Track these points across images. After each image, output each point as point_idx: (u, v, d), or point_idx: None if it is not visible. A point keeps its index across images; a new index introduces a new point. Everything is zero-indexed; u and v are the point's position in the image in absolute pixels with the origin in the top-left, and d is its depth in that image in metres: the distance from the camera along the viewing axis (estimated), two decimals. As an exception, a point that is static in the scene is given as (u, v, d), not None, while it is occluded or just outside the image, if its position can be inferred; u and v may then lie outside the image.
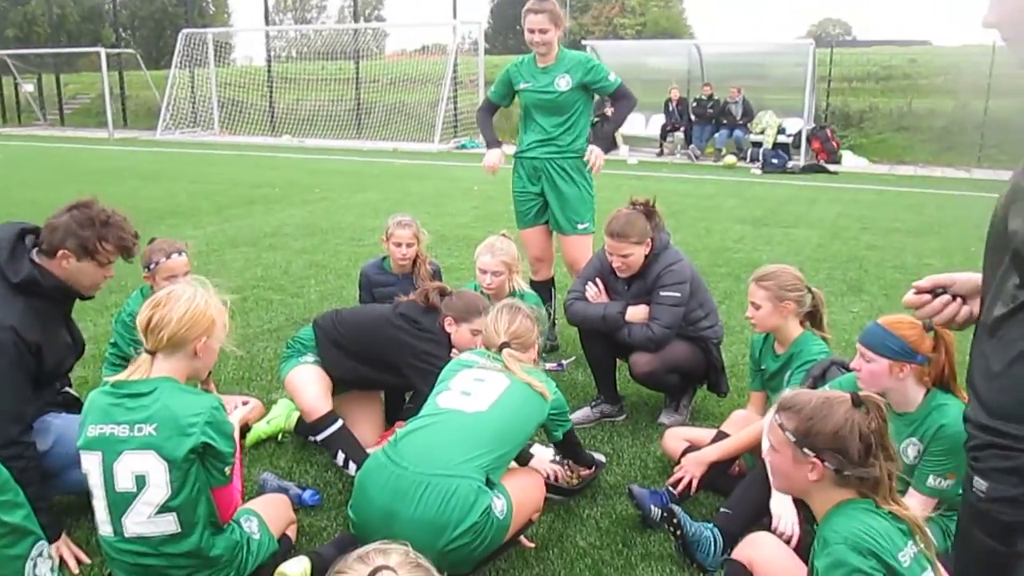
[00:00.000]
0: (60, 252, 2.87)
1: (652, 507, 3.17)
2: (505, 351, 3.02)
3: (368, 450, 3.39)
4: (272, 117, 25.52)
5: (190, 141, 23.39)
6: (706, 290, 4.25)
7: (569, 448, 3.32)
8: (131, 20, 53.11)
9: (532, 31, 4.76)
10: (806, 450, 2.06)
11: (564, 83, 4.84)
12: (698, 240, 8.85)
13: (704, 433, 3.63)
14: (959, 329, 1.94)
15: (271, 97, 25.88)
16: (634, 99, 5.04)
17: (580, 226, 4.99)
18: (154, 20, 55.48)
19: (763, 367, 3.68)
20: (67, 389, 3.36)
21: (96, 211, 2.92)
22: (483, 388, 2.88)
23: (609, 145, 5.21)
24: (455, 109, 22.47)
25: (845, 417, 2.05)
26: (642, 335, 3.93)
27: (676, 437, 3.66)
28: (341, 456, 3.49)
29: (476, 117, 5.19)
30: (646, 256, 3.99)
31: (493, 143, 5.12)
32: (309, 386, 3.59)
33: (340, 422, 3.55)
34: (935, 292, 1.85)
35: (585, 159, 4.85)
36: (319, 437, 3.54)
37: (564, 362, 4.97)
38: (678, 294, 3.95)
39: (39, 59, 31.69)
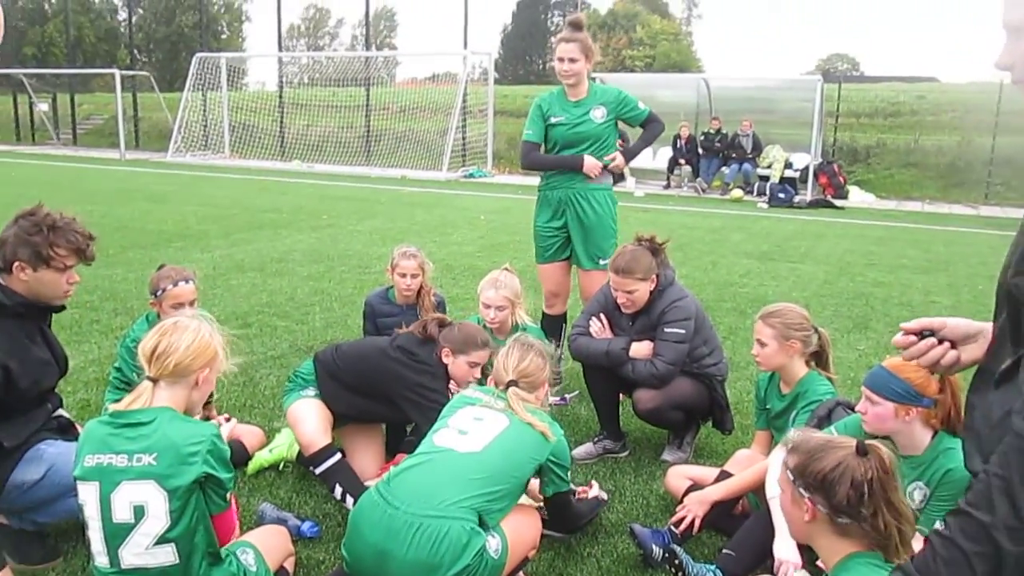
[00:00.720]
0: (15, 265, 2.85)
1: (654, 547, 3.13)
2: (511, 390, 2.97)
3: (367, 483, 3.37)
4: (282, 142, 25.73)
5: (200, 164, 23.55)
6: (711, 326, 4.24)
7: (556, 510, 3.12)
8: (146, 43, 53.78)
9: (562, 60, 4.71)
10: (801, 489, 2.06)
11: (600, 115, 4.82)
12: (704, 274, 8.84)
13: (707, 472, 3.60)
14: (945, 374, 1.93)
15: (282, 122, 26.11)
16: (663, 124, 5.05)
17: (602, 262, 4.94)
18: (169, 43, 56.19)
19: (768, 406, 3.66)
20: (61, 413, 3.28)
21: (42, 216, 2.90)
22: (480, 428, 2.84)
23: (631, 159, 5.15)
24: (464, 138, 22.62)
25: (838, 460, 2.04)
26: (646, 372, 3.92)
27: (679, 475, 3.63)
28: (339, 490, 3.47)
29: (531, 163, 4.88)
30: (651, 292, 3.98)
31: (567, 158, 4.87)
32: (308, 419, 3.59)
33: (338, 455, 3.54)
34: (922, 334, 1.84)
35: (608, 159, 4.85)
36: (317, 470, 3.53)
37: (567, 396, 4.94)
38: (682, 331, 3.94)
39: (55, 79, 32.10)
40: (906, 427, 2.78)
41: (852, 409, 3.14)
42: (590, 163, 4.80)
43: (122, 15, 58.36)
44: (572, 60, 4.70)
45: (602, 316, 4.14)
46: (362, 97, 25.15)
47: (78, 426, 3.17)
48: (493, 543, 2.64)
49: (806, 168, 17.41)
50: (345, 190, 17.32)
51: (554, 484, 2.98)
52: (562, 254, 5.06)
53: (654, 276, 3.96)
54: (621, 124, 5.01)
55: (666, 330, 3.93)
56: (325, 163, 23.45)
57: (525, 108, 29.84)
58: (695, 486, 3.45)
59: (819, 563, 2.26)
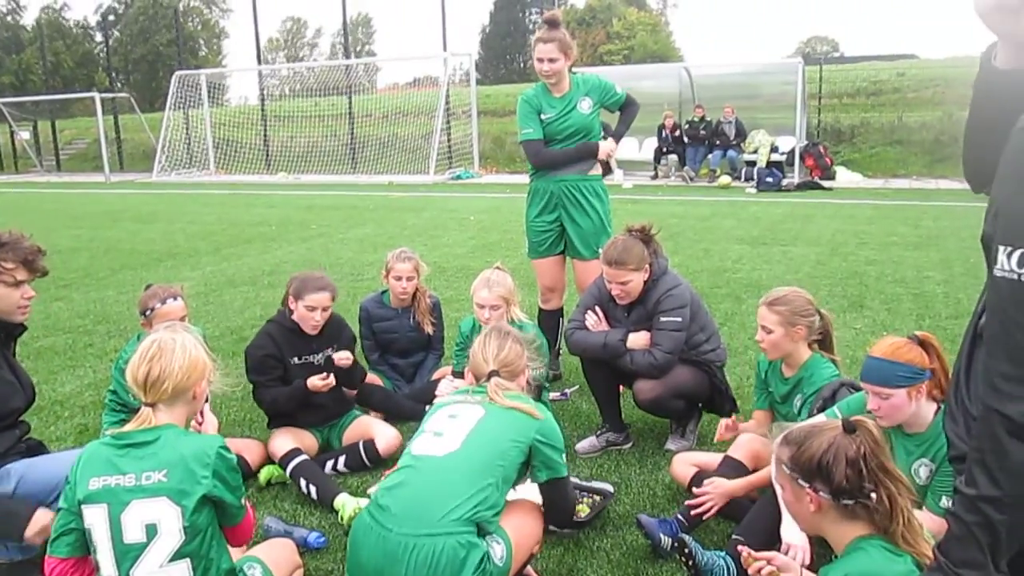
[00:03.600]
0: None
1: (662, 536, 3.12)
2: (492, 381, 2.87)
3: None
4: (267, 155, 25.68)
5: (186, 182, 23.50)
6: (707, 313, 4.23)
7: (551, 499, 2.94)
8: (124, 64, 53.63)
9: (541, 60, 4.69)
10: (800, 481, 2.05)
11: (586, 106, 4.82)
12: (697, 262, 8.83)
13: (712, 458, 3.59)
14: None
15: (266, 135, 26.07)
16: (638, 105, 5.06)
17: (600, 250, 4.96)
18: (147, 63, 56.06)
19: (771, 389, 3.65)
20: (29, 437, 3.23)
21: None
22: (455, 425, 2.75)
23: (619, 142, 5.13)
24: (448, 140, 22.61)
25: (828, 442, 2.03)
26: (645, 362, 3.90)
27: (685, 463, 3.61)
28: (303, 482, 3.72)
29: (545, 160, 4.81)
30: (645, 282, 3.97)
31: (583, 146, 4.84)
32: (276, 437, 4.01)
33: (302, 456, 3.85)
34: None
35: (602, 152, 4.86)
36: (287, 471, 3.81)
37: (567, 391, 4.93)
38: (679, 319, 3.92)
39: (34, 106, 31.92)
40: (917, 407, 2.79)
41: (855, 388, 3.13)
42: (605, 147, 4.83)
43: (98, 38, 58.31)
44: (552, 60, 4.68)
45: (597, 309, 4.13)
46: (344, 106, 25.16)
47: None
48: (498, 549, 2.59)
49: (792, 151, 17.43)
50: (333, 199, 17.27)
51: (546, 468, 2.82)
52: (557, 248, 5.04)
53: (647, 266, 3.95)
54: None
55: (662, 319, 3.91)
56: (311, 173, 23.43)
57: (508, 107, 29.87)
58: (701, 472, 3.44)
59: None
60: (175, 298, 3.78)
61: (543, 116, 4.80)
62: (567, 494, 2.99)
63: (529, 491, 3.16)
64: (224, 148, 26.00)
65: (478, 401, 2.82)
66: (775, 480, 2.18)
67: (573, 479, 3.63)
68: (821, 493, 2.02)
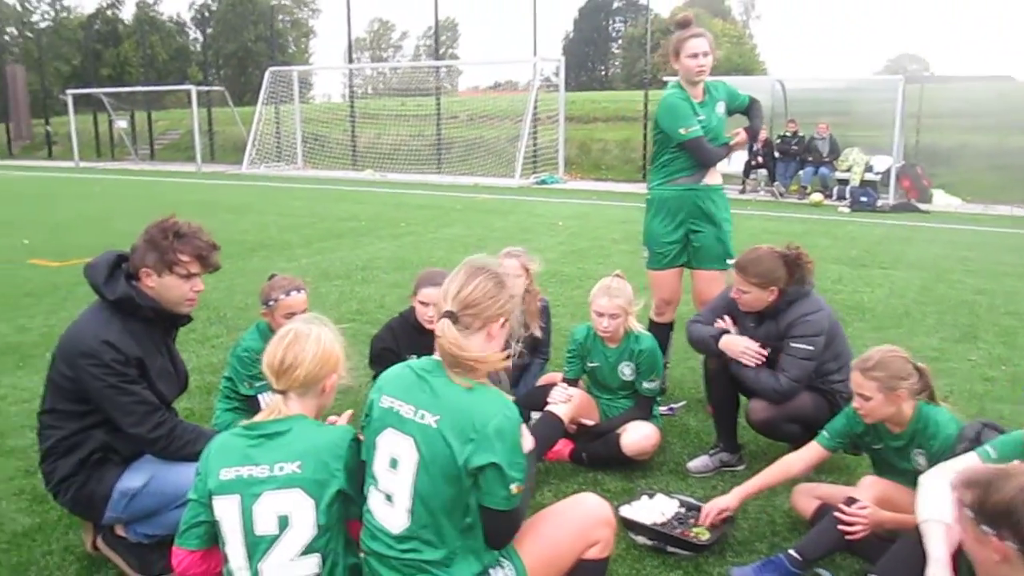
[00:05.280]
0: (143, 271, 2.88)
1: None
2: (443, 324, 2.26)
3: None
4: (354, 152, 26.07)
5: (274, 175, 24.03)
6: (845, 342, 4.01)
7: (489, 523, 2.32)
8: (216, 59, 55.20)
9: (695, 55, 4.55)
10: (984, 527, 1.90)
11: (722, 109, 4.75)
12: (794, 280, 8.58)
13: (836, 491, 3.42)
14: None
15: (353, 132, 26.46)
16: (759, 101, 5.03)
17: (729, 261, 4.81)
18: (237, 58, 57.64)
19: (878, 446, 3.41)
20: None
21: (169, 225, 2.92)
22: (396, 481, 2.26)
23: (755, 138, 5.04)
24: (535, 144, 22.60)
25: (1020, 487, 1.88)
26: (769, 386, 3.76)
27: (807, 494, 3.46)
28: None
29: (710, 158, 4.67)
30: (771, 302, 3.83)
31: (726, 147, 4.78)
32: None
33: None
34: None
35: (733, 134, 4.77)
36: None
37: (675, 406, 4.81)
38: (810, 347, 3.75)
39: (131, 97, 33.12)
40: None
41: (998, 430, 2.95)
42: (739, 139, 4.79)
43: (191, 33, 60.27)
44: (706, 54, 4.56)
45: (726, 317, 4.03)
46: (431, 106, 25.38)
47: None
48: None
49: (888, 171, 16.89)
50: (419, 198, 17.42)
51: (489, 491, 2.22)
52: (680, 259, 4.91)
53: (775, 289, 3.79)
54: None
55: (792, 345, 3.75)
56: (397, 172, 23.68)
57: (592, 114, 29.65)
58: (826, 506, 3.28)
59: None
60: (299, 290, 3.80)
61: (698, 118, 4.67)
62: (512, 519, 2.32)
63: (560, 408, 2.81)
64: (312, 143, 26.53)
65: (411, 414, 2.26)
66: (956, 522, 2.04)
67: (686, 497, 3.54)
68: (1008, 543, 1.87)
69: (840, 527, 3.01)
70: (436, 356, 2.34)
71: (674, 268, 4.91)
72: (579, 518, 2.52)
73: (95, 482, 2.81)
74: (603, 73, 70.44)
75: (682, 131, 4.64)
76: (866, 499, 3.19)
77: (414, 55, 72.04)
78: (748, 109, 4.97)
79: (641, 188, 19.76)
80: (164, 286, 2.89)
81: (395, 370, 2.43)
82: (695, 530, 3.25)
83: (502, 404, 2.25)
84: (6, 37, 49.46)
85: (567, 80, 22.59)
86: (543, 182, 20.94)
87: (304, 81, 28.46)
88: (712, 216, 4.79)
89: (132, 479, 2.84)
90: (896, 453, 3.33)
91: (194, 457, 2.69)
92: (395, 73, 31.47)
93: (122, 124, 32.94)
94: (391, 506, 2.29)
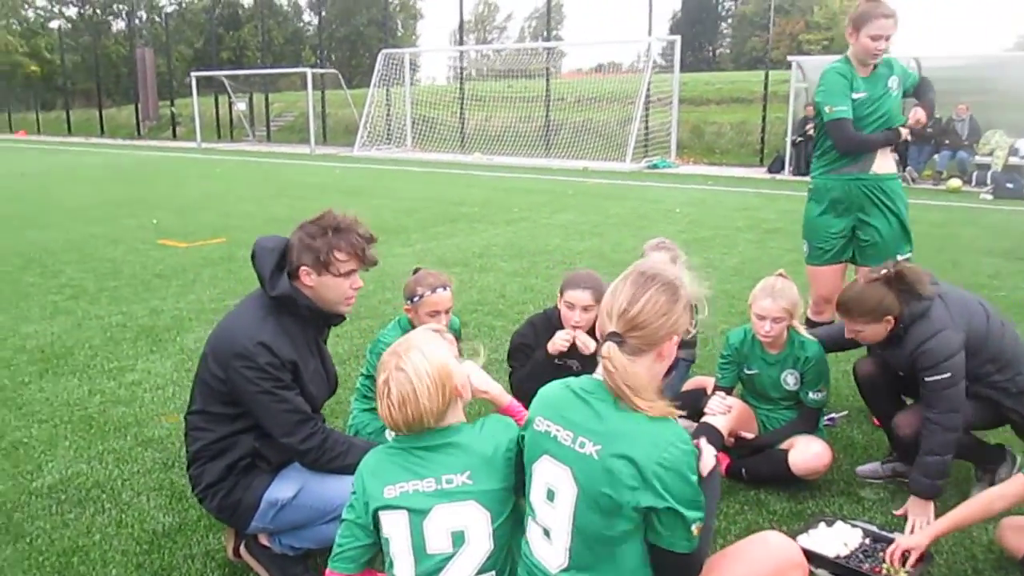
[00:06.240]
0: (301, 269, 2.70)
1: None
2: (607, 349, 1.96)
3: None
4: (462, 134, 26.07)
5: (385, 157, 24.27)
6: (999, 340, 3.43)
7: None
8: (328, 42, 56.44)
9: (878, 37, 4.14)
10: None
11: (896, 85, 4.31)
12: (944, 274, 7.81)
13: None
14: None
15: (462, 115, 26.45)
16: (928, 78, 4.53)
17: (902, 257, 4.40)
18: (349, 42, 58.79)
19: None
20: None
21: (327, 220, 2.73)
22: (555, 517, 2.01)
23: (931, 117, 4.53)
24: (646, 128, 22.02)
25: None
26: (934, 440, 3.24)
27: (1018, 530, 3.03)
28: None
29: (857, 146, 4.27)
30: (891, 330, 3.35)
31: (891, 131, 4.33)
32: None
33: None
34: None
35: (909, 116, 4.32)
36: None
37: (835, 416, 4.38)
38: (945, 375, 3.23)
39: (249, 79, 34.12)
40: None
41: None
42: (915, 115, 4.30)
43: (306, 17, 61.75)
44: (887, 38, 4.15)
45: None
46: (537, 89, 25.10)
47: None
48: None
49: (1036, 155, 15.63)
50: (529, 182, 17.19)
51: (664, 533, 1.93)
52: (844, 254, 4.51)
53: (889, 317, 3.31)
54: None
55: (927, 380, 3.25)
56: (504, 155, 23.52)
57: (703, 96, 28.92)
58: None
59: None
60: (444, 287, 3.57)
61: (854, 96, 4.25)
62: (692, 569, 2.03)
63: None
64: (421, 126, 26.67)
65: (568, 441, 1.99)
66: None
67: (869, 526, 3.16)
68: None
69: None
70: (598, 375, 2.05)
71: (838, 264, 4.51)
72: (768, 562, 2.19)
73: (242, 490, 2.66)
74: (711, 53, 68.55)
75: (827, 109, 4.27)
76: None
77: (518, 37, 71.85)
78: (918, 88, 4.50)
79: (759, 173, 19.17)
80: (323, 285, 2.71)
81: (553, 389, 2.14)
82: (888, 568, 2.87)
83: (675, 433, 1.94)
84: (136, 21, 51.70)
85: (672, 60, 21.88)
86: (655, 166, 20.37)
87: (412, 64, 28.63)
88: (884, 208, 4.36)
89: (281, 489, 2.67)
90: None
91: (345, 470, 2.52)
92: (499, 55, 31.28)
93: (241, 106, 34.05)
94: (549, 542, 2.04)
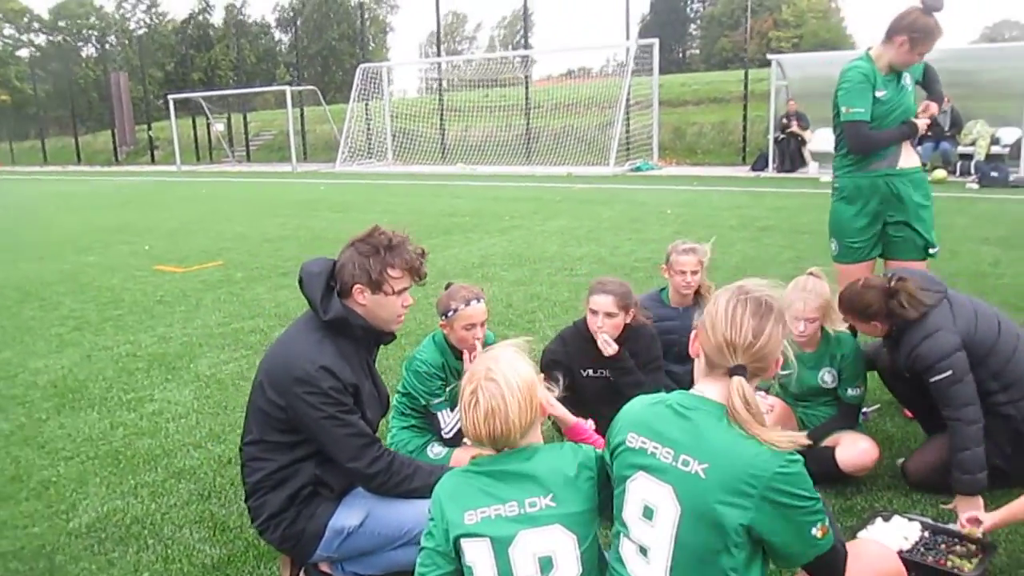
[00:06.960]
0: (355, 287, 2.68)
1: None
2: (737, 385, 1.94)
3: None
4: (443, 146, 26.05)
5: (367, 172, 24.20)
6: (1006, 356, 3.36)
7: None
8: (300, 59, 56.32)
9: (923, 54, 4.18)
10: None
11: (909, 79, 4.34)
12: (946, 264, 7.96)
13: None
14: None
15: (442, 126, 26.44)
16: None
17: (932, 251, 4.44)
18: (321, 58, 58.63)
19: None
20: None
21: (377, 238, 2.73)
22: (654, 535, 1.98)
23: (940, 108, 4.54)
24: (627, 131, 22.10)
25: None
26: (961, 438, 3.20)
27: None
28: None
29: (870, 146, 4.27)
30: (887, 331, 3.44)
31: (906, 126, 4.31)
32: None
33: None
34: None
35: (920, 110, 4.37)
36: None
37: (867, 410, 4.38)
38: (947, 373, 3.22)
39: (223, 100, 33.92)
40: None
41: None
42: (921, 124, 4.33)
43: (277, 35, 61.58)
44: (928, 51, 4.20)
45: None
46: (514, 97, 25.18)
47: None
48: None
49: (1017, 143, 15.82)
50: (514, 190, 17.18)
51: (792, 551, 1.94)
52: (875, 251, 4.52)
53: (877, 324, 3.43)
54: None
55: (931, 381, 3.26)
56: (487, 164, 23.53)
57: (680, 97, 29.04)
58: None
59: None
60: (478, 299, 3.53)
61: (877, 94, 4.25)
62: (837, 566, 2.04)
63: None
64: (401, 139, 26.62)
65: (669, 459, 1.96)
66: None
67: (925, 519, 3.15)
68: None
69: None
70: (696, 391, 2.03)
71: (869, 261, 4.51)
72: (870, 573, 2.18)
73: (306, 519, 2.60)
74: (681, 55, 68.93)
75: (844, 109, 4.29)
76: None
77: (488, 47, 71.95)
78: (925, 78, 4.52)
79: (743, 172, 19.26)
80: (377, 304, 2.69)
81: (643, 405, 2.10)
82: (953, 559, 2.86)
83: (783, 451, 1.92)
84: (107, 46, 51.34)
85: (643, 64, 21.98)
86: (638, 169, 20.45)
87: (387, 78, 28.60)
88: (910, 203, 4.37)
89: (348, 517, 2.63)
90: None
91: (412, 494, 2.47)
92: (469, 65, 31.31)
93: (220, 127, 33.83)
94: (646, 561, 2.00)
